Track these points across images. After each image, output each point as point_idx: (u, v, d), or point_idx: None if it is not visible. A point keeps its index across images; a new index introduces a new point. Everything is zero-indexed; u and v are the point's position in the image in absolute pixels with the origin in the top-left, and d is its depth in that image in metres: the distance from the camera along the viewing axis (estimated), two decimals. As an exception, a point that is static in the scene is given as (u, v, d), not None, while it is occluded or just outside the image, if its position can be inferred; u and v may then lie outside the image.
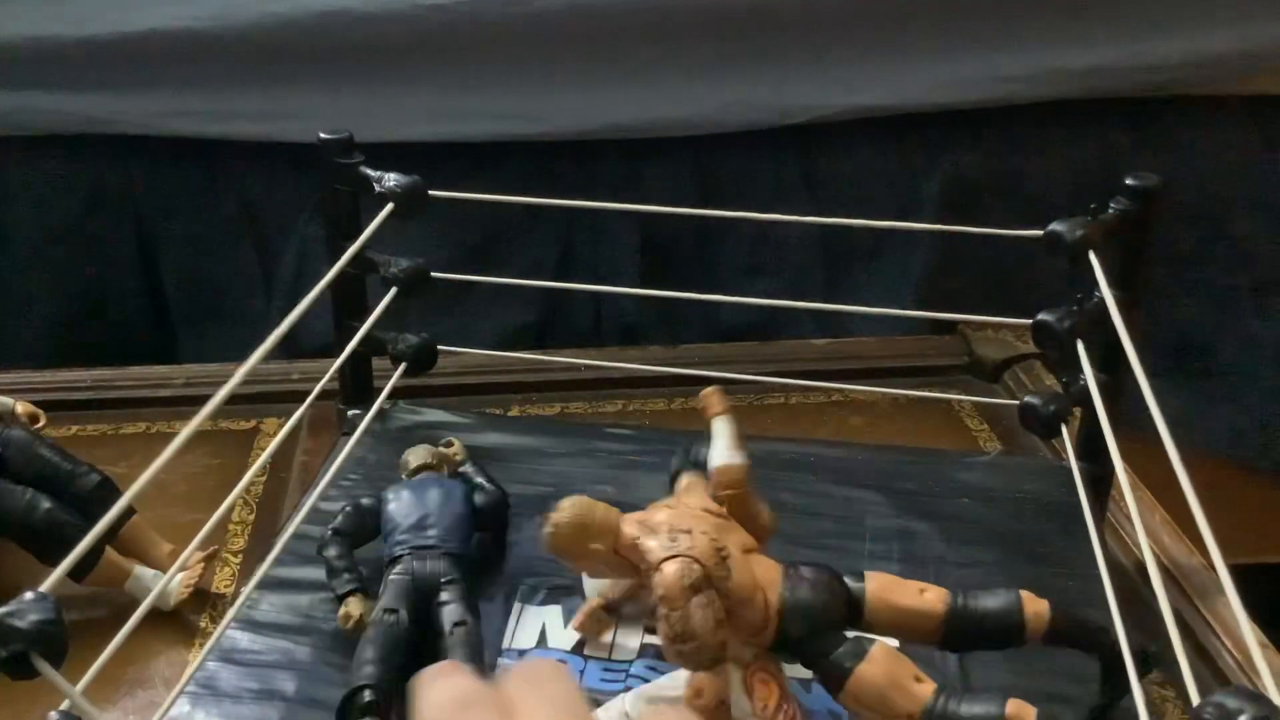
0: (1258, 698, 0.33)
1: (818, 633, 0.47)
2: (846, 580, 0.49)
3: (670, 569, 0.44)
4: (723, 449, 0.53)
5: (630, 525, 0.47)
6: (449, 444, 0.66)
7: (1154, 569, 0.54)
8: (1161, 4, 1.10)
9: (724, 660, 0.45)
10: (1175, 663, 0.48)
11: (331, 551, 0.58)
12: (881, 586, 0.49)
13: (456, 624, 0.54)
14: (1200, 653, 0.61)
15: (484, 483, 0.64)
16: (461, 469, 0.65)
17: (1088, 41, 1.10)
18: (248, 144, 1.12)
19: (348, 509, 0.60)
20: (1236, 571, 0.47)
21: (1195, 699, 0.37)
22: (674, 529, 0.46)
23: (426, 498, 0.59)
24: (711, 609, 0.45)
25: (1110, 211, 0.63)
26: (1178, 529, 0.69)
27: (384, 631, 0.53)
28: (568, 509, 0.46)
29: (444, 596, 0.55)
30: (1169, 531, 0.69)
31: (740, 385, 0.82)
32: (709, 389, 0.56)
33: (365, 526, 0.60)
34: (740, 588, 0.47)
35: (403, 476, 0.63)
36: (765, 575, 0.48)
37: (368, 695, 0.50)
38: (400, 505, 0.59)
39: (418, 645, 0.54)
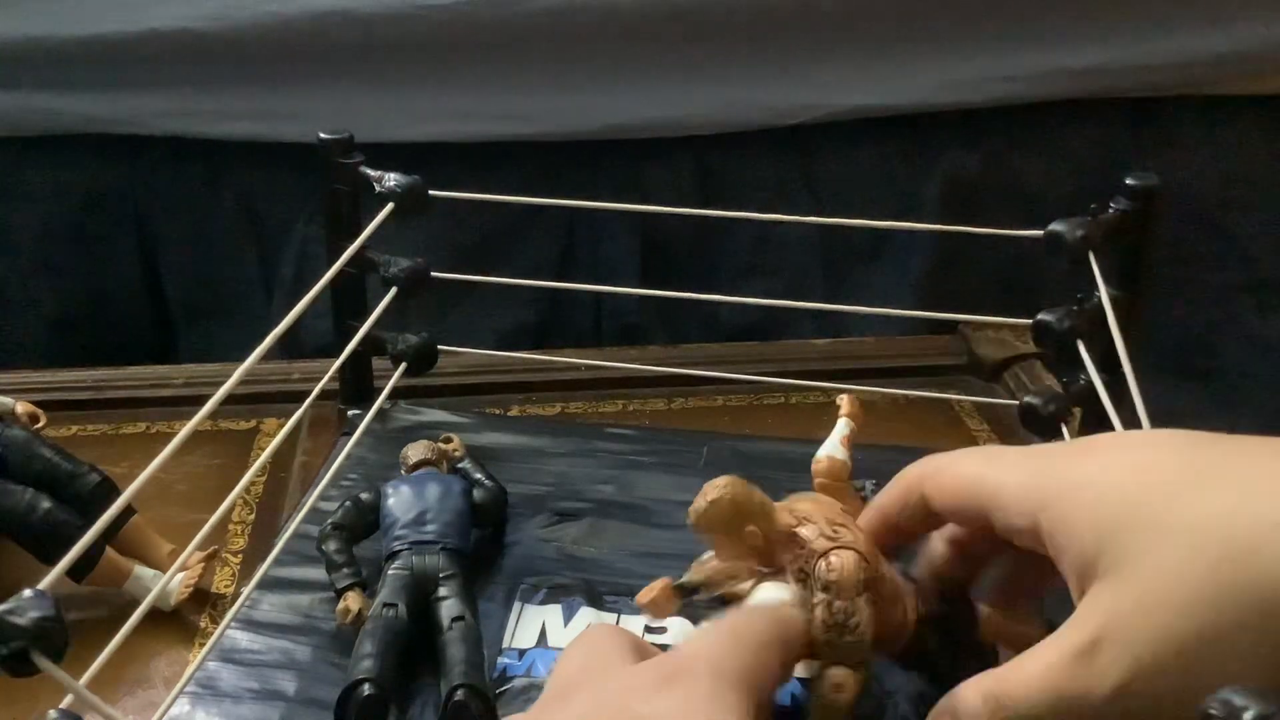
0: (1264, 694, 0.33)
1: (950, 644, 0.47)
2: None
3: (847, 560, 0.42)
4: (832, 443, 0.53)
5: (782, 513, 0.45)
6: (448, 439, 0.66)
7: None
8: (1161, 4, 1.10)
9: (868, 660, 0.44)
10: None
11: (330, 546, 0.58)
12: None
13: (455, 619, 0.54)
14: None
15: (483, 479, 0.64)
16: (460, 465, 0.65)
17: (1088, 41, 1.10)
18: (248, 144, 1.12)
19: (346, 503, 0.60)
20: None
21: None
22: (831, 521, 0.44)
23: (426, 493, 0.59)
24: (873, 607, 0.43)
25: (1110, 211, 0.63)
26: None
27: (383, 626, 0.53)
28: (726, 484, 0.43)
29: (442, 592, 0.55)
30: (1169, 531, 0.69)
31: (740, 385, 0.82)
32: (852, 397, 0.55)
33: (364, 521, 0.60)
34: (890, 586, 0.45)
35: (402, 471, 0.63)
36: (901, 582, 0.47)
37: (367, 689, 0.50)
38: (399, 500, 0.59)
39: (416, 640, 0.54)
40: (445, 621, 0.54)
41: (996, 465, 0.41)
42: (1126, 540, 0.35)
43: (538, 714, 0.36)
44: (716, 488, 0.43)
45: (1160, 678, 0.34)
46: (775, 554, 0.44)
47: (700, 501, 0.43)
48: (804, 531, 0.43)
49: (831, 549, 0.43)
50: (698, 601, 0.47)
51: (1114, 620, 0.35)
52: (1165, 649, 0.34)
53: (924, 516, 0.44)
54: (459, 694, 0.50)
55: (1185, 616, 0.34)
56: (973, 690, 0.38)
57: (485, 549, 0.62)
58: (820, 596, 0.42)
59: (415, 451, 0.63)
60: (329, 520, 0.60)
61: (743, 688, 0.35)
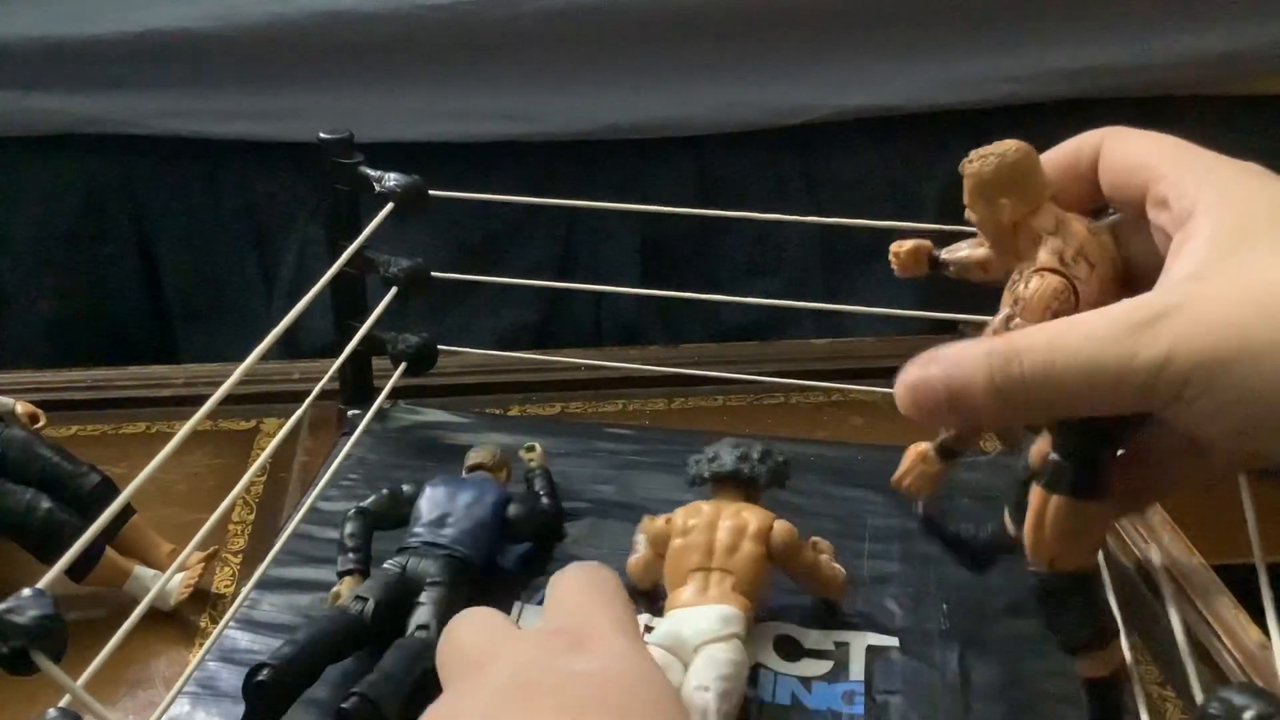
0: (1263, 694, 0.33)
1: None
2: None
3: (1048, 285, 0.39)
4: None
5: (1046, 214, 0.41)
6: (530, 449, 0.66)
7: (1154, 569, 0.54)
8: (1161, 4, 1.10)
9: None
10: (1177, 662, 0.48)
11: (347, 529, 0.58)
12: None
13: (419, 627, 0.52)
14: (1200, 653, 0.61)
15: (539, 493, 0.63)
16: (531, 475, 0.64)
17: (1088, 41, 1.10)
18: (248, 144, 1.12)
19: (384, 491, 0.60)
20: (1236, 571, 0.47)
21: (1198, 697, 0.37)
22: (1080, 252, 0.40)
23: (457, 497, 0.59)
24: None
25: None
26: (1178, 529, 0.68)
27: (330, 617, 0.52)
28: (1019, 149, 0.41)
29: (422, 598, 0.54)
30: (1169, 531, 0.69)
31: (740, 385, 0.82)
32: None
33: (397, 512, 0.59)
34: None
35: (463, 472, 0.63)
36: None
37: (263, 674, 0.48)
38: (431, 499, 0.59)
39: (371, 638, 0.52)
40: (411, 627, 0.53)
41: (1189, 149, 0.39)
42: (1265, 254, 0.33)
43: (460, 690, 0.35)
44: (1010, 146, 0.41)
45: (1215, 371, 0.31)
46: (1018, 244, 0.42)
47: (987, 154, 0.41)
48: (1047, 243, 0.41)
49: (1045, 269, 0.40)
50: (946, 272, 0.46)
51: (1197, 298, 0.33)
52: (1235, 346, 0.31)
53: (1086, 175, 0.41)
54: (349, 701, 0.48)
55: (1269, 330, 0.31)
56: (975, 344, 0.36)
57: (503, 561, 0.61)
58: (1012, 311, 0.40)
59: (474, 455, 0.63)
60: (357, 504, 0.59)
61: (635, 633, 0.37)
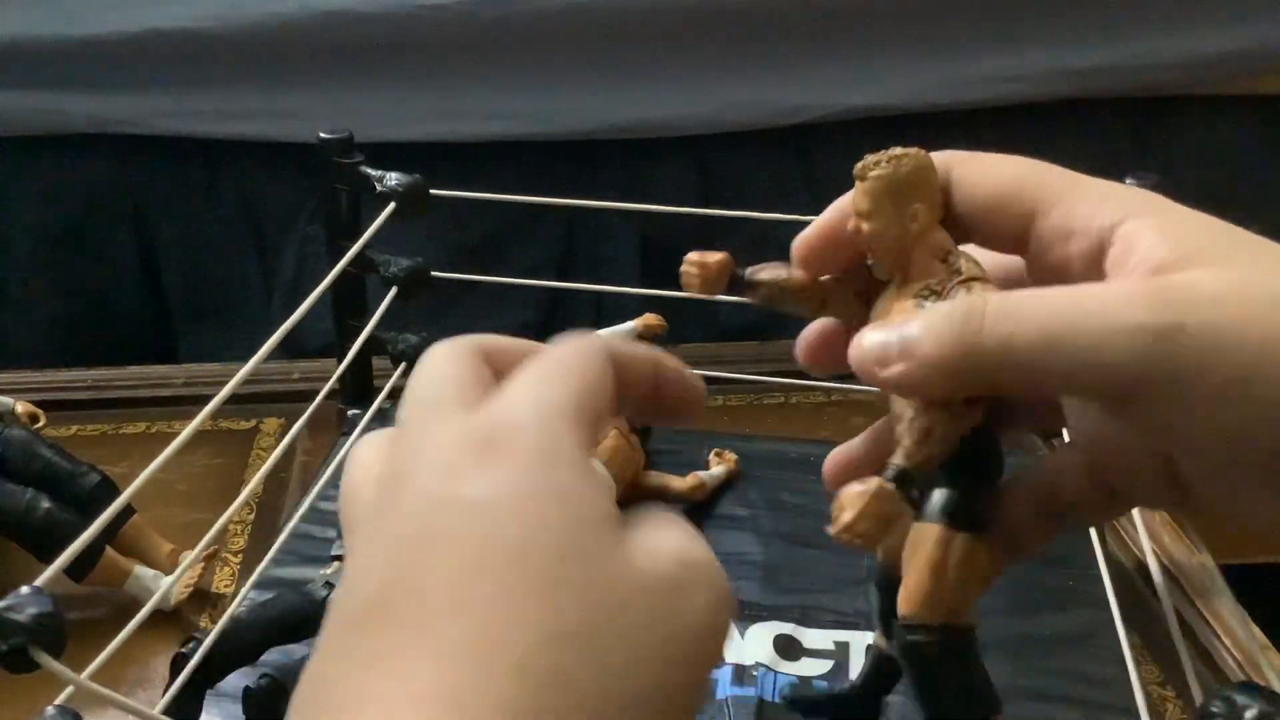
0: (1265, 693, 0.33)
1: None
2: None
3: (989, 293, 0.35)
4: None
5: (944, 230, 0.37)
6: None
7: (1154, 569, 0.54)
8: (1161, 4, 1.10)
9: None
10: (1177, 662, 0.48)
11: None
12: None
13: None
14: (1200, 652, 0.61)
15: None
16: None
17: (1088, 41, 1.10)
18: (248, 144, 1.12)
19: None
20: (1236, 571, 0.47)
21: (1197, 697, 0.37)
22: (969, 257, 0.37)
23: None
24: None
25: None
26: (1178, 529, 0.69)
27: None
28: (922, 153, 0.37)
29: None
30: (1169, 531, 0.69)
31: (740, 385, 0.82)
32: None
33: None
34: None
35: None
36: None
37: (261, 681, 0.50)
38: None
39: None
40: None
41: (1064, 173, 0.36)
42: (1228, 249, 0.31)
43: (356, 550, 0.27)
44: (914, 150, 0.37)
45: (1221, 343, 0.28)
46: (914, 261, 0.37)
47: (897, 155, 0.37)
48: (960, 257, 0.36)
49: (977, 280, 0.36)
50: (749, 298, 0.40)
51: (1211, 271, 0.30)
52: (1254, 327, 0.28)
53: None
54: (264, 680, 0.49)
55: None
56: (942, 307, 0.32)
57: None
58: None
59: None
60: None
61: (576, 431, 0.28)
